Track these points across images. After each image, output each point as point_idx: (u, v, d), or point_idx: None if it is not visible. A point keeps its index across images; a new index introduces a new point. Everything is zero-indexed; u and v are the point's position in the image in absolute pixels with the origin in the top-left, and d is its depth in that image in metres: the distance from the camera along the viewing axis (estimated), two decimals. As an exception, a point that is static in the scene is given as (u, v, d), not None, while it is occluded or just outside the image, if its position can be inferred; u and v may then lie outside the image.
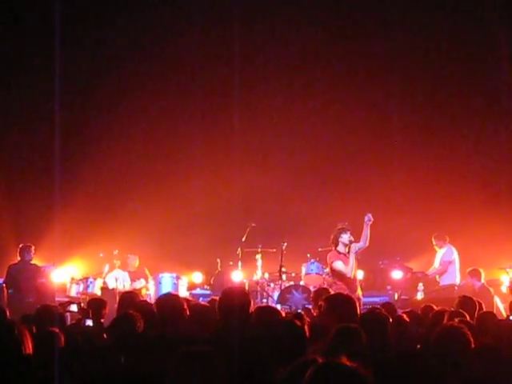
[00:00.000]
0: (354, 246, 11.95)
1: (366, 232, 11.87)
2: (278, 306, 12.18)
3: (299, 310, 9.98)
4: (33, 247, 14.21)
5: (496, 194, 16.70)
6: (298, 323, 5.71)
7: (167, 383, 3.80)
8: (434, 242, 15.23)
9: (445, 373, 4.78)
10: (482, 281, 14.04)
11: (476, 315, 7.70)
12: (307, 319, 6.34)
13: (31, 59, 16.94)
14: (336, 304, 6.53)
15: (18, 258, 14.05)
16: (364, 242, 11.92)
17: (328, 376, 3.07)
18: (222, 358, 3.93)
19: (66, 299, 13.85)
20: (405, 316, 7.54)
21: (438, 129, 17.70)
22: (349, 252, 11.96)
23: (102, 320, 8.08)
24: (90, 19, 17.07)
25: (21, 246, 14.19)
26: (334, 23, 17.44)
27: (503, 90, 16.88)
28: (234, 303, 6.15)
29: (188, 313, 6.86)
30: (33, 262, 14.24)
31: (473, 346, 5.24)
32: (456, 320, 6.14)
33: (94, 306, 8.34)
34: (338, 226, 13.84)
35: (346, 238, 11.91)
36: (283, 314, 6.03)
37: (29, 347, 3.97)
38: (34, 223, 16.48)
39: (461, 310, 7.40)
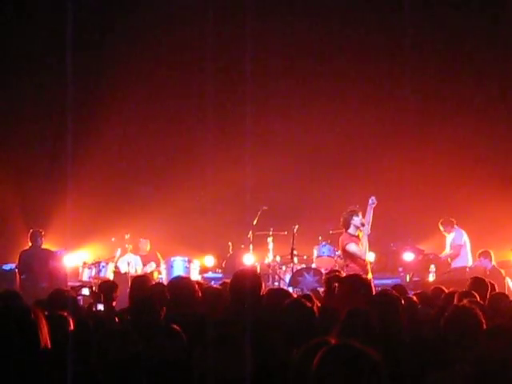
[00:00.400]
0: (366, 229, 11.89)
1: (369, 216, 11.76)
2: (290, 289, 12.17)
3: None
4: (42, 232, 14.22)
5: (506, 176, 16.64)
6: (308, 304, 5.70)
7: (196, 366, 3.85)
8: (441, 229, 15.12)
9: (456, 354, 4.78)
10: (493, 262, 14.02)
11: (488, 296, 7.69)
12: (316, 302, 6.34)
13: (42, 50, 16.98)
14: (353, 286, 6.53)
15: (30, 244, 14.08)
16: (367, 228, 11.83)
17: (339, 357, 3.06)
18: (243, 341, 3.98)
19: (78, 283, 13.93)
20: (415, 298, 7.54)
21: (447, 111, 17.65)
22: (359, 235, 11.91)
23: (114, 303, 8.11)
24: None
25: (31, 231, 14.19)
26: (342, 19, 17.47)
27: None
28: (245, 286, 6.15)
29: (200, 295, 6.88)
30: (44, 246, 14.26)
31: (484, 326, 5.22)
32: (465, 300, 6.11)
33: (105, 289, 8.37)
34: (349, 208, 13.84)
35: (357, 220, 11.81)
36: (295, 297, 6.02)
37: (45, 331, 3.98)
38: (45, 209, 16.51)
39: (472, 291, 7.38)
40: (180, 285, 6.90)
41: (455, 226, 15.04)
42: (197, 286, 6.95)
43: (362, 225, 11.78)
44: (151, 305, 6.20)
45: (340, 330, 5.35)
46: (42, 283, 13.38)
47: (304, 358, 3.70)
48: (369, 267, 11.91)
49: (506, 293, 11.93)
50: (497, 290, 8.62)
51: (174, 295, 6.66)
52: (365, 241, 11.72)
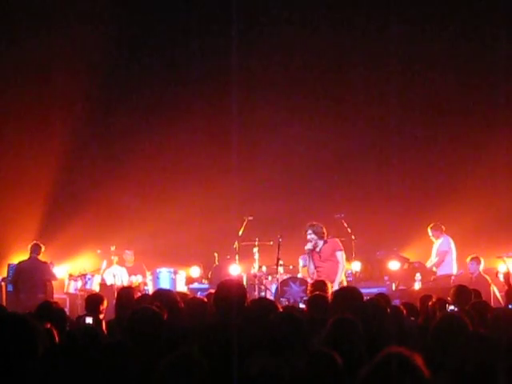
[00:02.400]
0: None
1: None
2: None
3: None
4: (42, 246, 14.29)
5: (492, 184, 16.70)
6: (297, 315, 5.70)
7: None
8: (430, 233, 15.20)
9: (442, 361, 4.80)
10: (480, 269, 14.08)
11: (470, 304, 7.72)
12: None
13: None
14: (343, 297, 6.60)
15: (29, 255, 14.11)
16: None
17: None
18: (204, 357, 3.98)
19: (64, 296, 13.98)
20: (401, 307, 7.56)
21: (432, 120, 17.72)
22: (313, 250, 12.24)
23: (101, 316, 8.09)
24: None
25: (33, 243, 14.30)
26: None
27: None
28: (229, 296, 6.16)
29: (183, 306, 6.91)
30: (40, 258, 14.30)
31: (470, 333, 5.25)
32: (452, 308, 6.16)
33: (92, 301, 8.34)
34: (335, 216, 13.92)
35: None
36: (279, 307, 6.03)
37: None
38: (30, 222, 16.48)
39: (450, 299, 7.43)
40: (162, 297, 6.93)
41: (443, 232, 15.12)
42: (179, 298, 6.98)
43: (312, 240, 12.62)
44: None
45: (326, 338, 5.38)
46: (39, 294, 13.41)
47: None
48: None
49: (492, 300, 12.03)
50: (482, 298, 8.66)
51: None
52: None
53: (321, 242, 12.78)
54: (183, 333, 5.61)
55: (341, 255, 12.72)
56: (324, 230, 12.79)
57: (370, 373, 3.57)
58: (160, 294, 7.20)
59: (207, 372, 3.92)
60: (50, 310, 7.20)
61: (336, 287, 11.60)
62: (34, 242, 14.40)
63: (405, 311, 7.42)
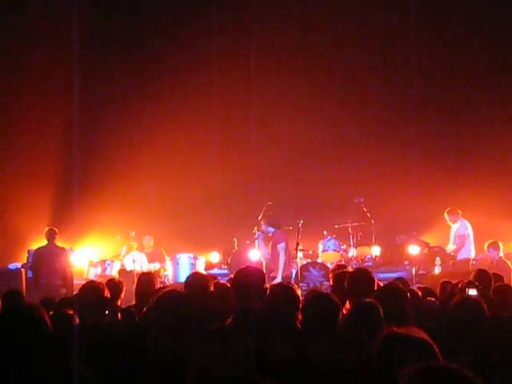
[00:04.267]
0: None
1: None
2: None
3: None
4: (57, 230, 14.30)
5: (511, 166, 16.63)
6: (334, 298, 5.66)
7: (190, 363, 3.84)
8: (446, 218, 15.17)
9: (459, 345, 4.78)
10: (501, 254, 14.00)
11: (492, 288, 7.68)
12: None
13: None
14: (361, 279, 6.58)
15: (46, 242, 14.14)
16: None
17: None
18: (243, 334, 3.96)
19: (84, 282, 13.96)
20: (419, 291, 7.56)
21: (449, 104, 17.64)
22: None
23: (119, 302, 8.10)
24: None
25: (47, 229, 14.29)
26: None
27: None
28: (248, 282, 6.19)
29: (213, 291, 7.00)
30: (58, 244, 14.34)
31: (487, 317, 5.22)
32: (472, 291, 6.13)
33: (112, 287, 8.35)
34: (355, 200, 13.86)
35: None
36: (298, 291, 6.01)
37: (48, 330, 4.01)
38: (50, 208, 16.55)
39: (474, 281, 7.38)
40: (196, 282, 6.99)
41: (460, 216, 15.07)
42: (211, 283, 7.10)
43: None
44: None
45: (346, 322, 5.37)
46: (57, 280, 13.47)
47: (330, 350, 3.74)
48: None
49: (512, 284, 11.94)
50: (504, 282, 8.60)
51: (191, 292, 6.69)
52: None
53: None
54: (212, 316, 5.65)
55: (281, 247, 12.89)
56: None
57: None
58: (194, 277, 7.26)
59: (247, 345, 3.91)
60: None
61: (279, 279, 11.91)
62: (48, 227, 14.40)
63: (420, 293, 7.44)
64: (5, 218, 16.28)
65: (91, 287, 6.68)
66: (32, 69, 16.80)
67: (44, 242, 14.24)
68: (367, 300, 5.63)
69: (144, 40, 17.88)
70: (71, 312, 5.57)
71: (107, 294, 6.63)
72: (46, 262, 13.81)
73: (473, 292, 6.73)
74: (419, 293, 7.40)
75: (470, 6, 16.84)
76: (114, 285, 8.13)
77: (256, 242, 14.16)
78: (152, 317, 5.49)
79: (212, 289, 7.08)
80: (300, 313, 5.48)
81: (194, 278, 7.22)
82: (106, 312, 6.38)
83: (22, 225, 16.09)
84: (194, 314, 5.33)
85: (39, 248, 14.24)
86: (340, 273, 7.53)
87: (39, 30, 16.57)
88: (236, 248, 16.60)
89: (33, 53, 16.88)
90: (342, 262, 13.69)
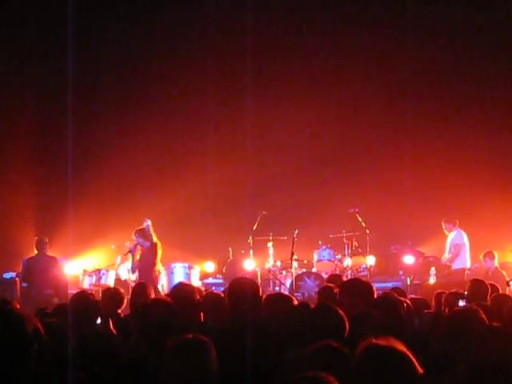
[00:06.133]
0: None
1: None
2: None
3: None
4: (47, 239, 14.21)
5: (507, 177, 16.64)
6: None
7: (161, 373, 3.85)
8: (443, 226, 15.16)
9: (456, 356, 4.77)
10: (496, 264, 13.98)
11: (489, 298, 7.65)
12: None
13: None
14: (353, 290, 6.54)
15: (35, 251, 14.07)
16: None
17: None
18: (211, 345, 3.96)
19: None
20: (411, 302, 7.52)
21: (447, 112, 17.65)
22: None
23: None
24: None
25: (36, 238, 14.20)
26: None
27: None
28: (243, 292, 6.16)
29: (200, 302, 6.91)
30: (49, 254, 14.26)
31: (486, 328, 5.21)
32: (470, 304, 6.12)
33: (110, 296, 8.30)
34: (350, 210, 13.83)
35: None
36: (295, 301, 6.00)
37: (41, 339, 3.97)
38: (45, 217, 16.52)
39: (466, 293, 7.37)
40: (180, 292, 6.93)
41: (457, 226, 15.05)
42: (197, 293, 7.00)
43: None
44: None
45: (348, 333, 5.35)
46: (46, 290, 13.40)
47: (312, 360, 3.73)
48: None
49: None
50: (499, 292, 8.58)
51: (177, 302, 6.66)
52: None
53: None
54: (199, 327, 5.61)
55: None
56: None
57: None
58: (178, 287, 7.22)
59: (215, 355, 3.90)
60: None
61: None
62: (37, 237, 14.29)
63: (412, 306, 7.40)
64: (1, 225, 16.26)
65: (81, 297, 6.66)
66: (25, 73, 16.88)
67: (35, 252, 14.19)
68: (365, 311, 5.61)
69: (140, 46, 17.86)
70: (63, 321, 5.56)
71: (101, 302, 6.61)
72: (36, 271, 13.70)
73: (462, 303, 6.73)
74: (413, 304, 7.34)
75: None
76: (115, 294, 8.08)
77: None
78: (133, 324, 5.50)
79: (198, 298, 7.01)
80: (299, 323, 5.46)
81: (179, 289, 7.17)
82: (98, 321, 6.34)
83: (16, 233, 16.05)
84: (175, 323, 5.33)
85: (30, 258, 14.14)
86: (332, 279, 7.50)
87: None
88: (231, 258, 16.59)
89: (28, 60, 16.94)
90: (337, 272, 13.70)
